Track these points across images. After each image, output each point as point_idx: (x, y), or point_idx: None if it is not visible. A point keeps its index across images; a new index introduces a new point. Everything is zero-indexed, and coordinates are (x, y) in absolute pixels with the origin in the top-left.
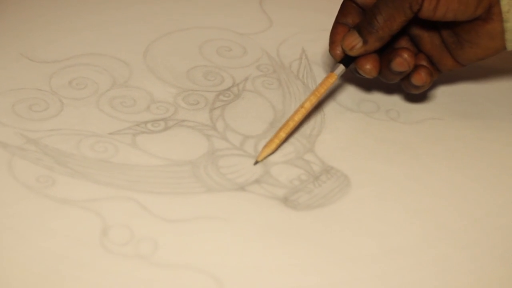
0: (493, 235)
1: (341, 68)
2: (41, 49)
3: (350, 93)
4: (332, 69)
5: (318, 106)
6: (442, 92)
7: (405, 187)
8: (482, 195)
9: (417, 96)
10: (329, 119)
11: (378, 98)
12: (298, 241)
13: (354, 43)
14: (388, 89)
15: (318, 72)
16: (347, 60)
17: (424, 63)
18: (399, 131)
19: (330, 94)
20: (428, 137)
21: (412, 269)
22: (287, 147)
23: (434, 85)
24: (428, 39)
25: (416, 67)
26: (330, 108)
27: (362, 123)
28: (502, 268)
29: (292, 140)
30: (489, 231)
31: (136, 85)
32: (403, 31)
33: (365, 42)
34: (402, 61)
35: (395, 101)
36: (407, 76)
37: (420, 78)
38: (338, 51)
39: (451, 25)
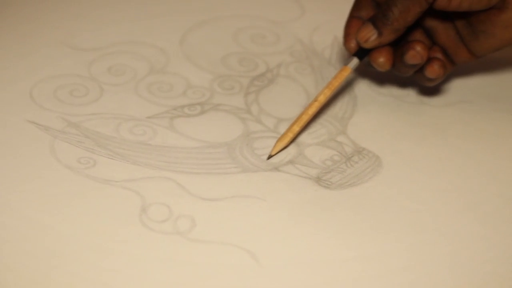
0: None
1: (355, 61)
2: (81, 37)
3: (382, 77)
4: (346, 62)
5: (350, 90)
6: (473, 76)
7: (435, 167)
8: None
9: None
10: (361, 103)
11: (410, 82)
12: (331, 218)
13: (369, 35)
14: None
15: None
16: (361, 53)
17: (439, 55)
18: (429, 114)
19: (362, 79)
20: (458, 119)
21: (442, 246)
22: (320, 130)
23: (464, 69)
24: (443, 31)
25: (429, 60)
26: (362, 92)
27: (393, 106)
28: None
29: (324, 123)
30: None
31: (173, 71)
32: (418, 24)
33: (380, 34)
34: (415, 53)
35: None
36: (420, 69)
37: (433, 71)
38: (353, 44)
39: (466, 16)
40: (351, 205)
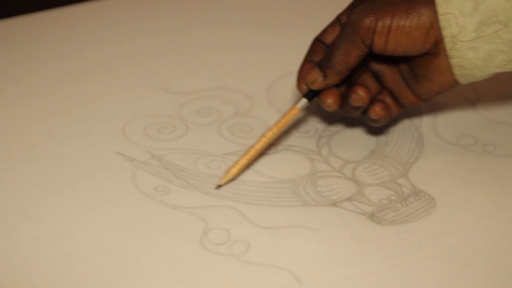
0: None
1: (303, 101)
2: (176, 83)
3: (451, 127)
4: (296, 102)
5: (418, 138)
6: None
7: (488, 211)
8: None
9: None
10: (427, 150)
11: (478, 132)
12: (377, 251)
13: (315, 78)
14: (488, 125)
15: (425, 108)
16: (311, 94)
17: (386, 98)
18: (492, 163)
19: (432, 128)
20: None
21: (483, 284)
22: (382, 172)
23: None
24: (389, 75)
25: (372, 102)
26: (429, 140)
27: (458, 155)
28: None
29: (388, 166)
30: None
31: (256, 115)
32: (365, 68)
33: (325, 76)
34: (357, 97)
35: (494, 136)
36: (365, 110)
37: (375, 113)
38: (304, 86)
39: (408, 60)
40: (398, 240)
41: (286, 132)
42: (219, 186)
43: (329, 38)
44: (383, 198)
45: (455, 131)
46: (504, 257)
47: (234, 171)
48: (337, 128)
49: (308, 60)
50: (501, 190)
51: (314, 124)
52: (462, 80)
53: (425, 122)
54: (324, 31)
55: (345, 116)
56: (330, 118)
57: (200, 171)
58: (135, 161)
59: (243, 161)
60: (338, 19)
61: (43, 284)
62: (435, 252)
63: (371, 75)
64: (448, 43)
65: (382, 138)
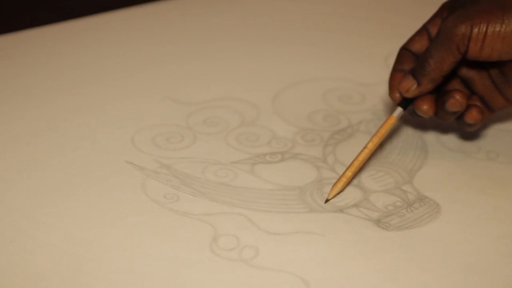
0: None
1: (399, 110)
2: (183, 93)
3: (454, 135)
4: (392, 111)
5: (422, 146)
6: None
7: (491, 216)
8: None
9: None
10: (431, 157)
11: (481, 140)
12: (383, 256)
13: (409, 86)
14: (491, 133)
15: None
16: (405, 103)
17: (477, 103)
18: (495, 169)
19: (435, 135)
20: None
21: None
22: (388, 179)
23: None
24: (479, 81)
25: (468, 106)
26: (433, 148)
27: (461, 161)
28: None
29: (393, 173)
30: None
31: (262, 124)
32: (455, 74)
33: (419, 84)
34: (455, 102)
35: (497, 143)
36: (460, 115)
37: (471, 116)
38: (397, 94)
39: (499, 66)
40: (404, 245)
41: (291, 141)
42: (327, 201)
43: (417, 47)
44: (389, 204)
45: (458, 139)
46: (509, 262)
47: (341, 184)
48: (342, 137)
49: (397, 69)
50: (504, 196)
51: (320, 133)
52: None
53: (429, 130)
54: (411, 40)
55: (348, 125)
56: (335, 127)
57: (208, 179)
58: (145, 170)
59: (349, 174)
60: (425, 27)
61: None
62: (440, 257)
63: (459, 81)
64: None
65: (386, 146)
